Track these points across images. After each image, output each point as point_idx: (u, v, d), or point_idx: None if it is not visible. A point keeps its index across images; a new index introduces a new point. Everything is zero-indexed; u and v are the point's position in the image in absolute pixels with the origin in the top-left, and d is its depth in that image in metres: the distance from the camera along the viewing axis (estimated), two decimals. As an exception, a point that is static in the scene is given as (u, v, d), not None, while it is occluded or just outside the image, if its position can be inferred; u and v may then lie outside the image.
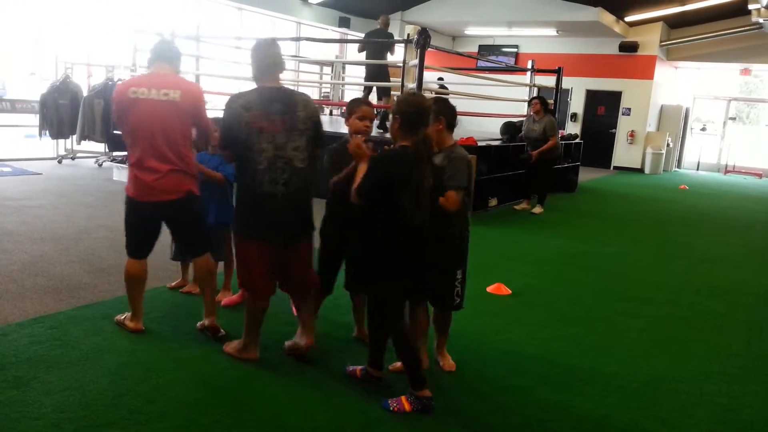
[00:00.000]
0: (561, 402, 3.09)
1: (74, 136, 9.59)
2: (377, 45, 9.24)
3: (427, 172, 2.82)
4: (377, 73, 9.35)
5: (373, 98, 9.13)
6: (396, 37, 14.06)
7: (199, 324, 3.58)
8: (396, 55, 9.44)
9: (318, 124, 3.16)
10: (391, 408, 2.85)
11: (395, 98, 9.56)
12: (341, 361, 3.30)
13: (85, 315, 3.71)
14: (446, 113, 3.02)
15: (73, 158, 10.28)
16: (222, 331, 3.52)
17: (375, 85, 9.23)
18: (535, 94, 11.17)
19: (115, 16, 10.90)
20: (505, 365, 3.48)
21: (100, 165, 9.84)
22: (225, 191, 3.92)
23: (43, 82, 9.82)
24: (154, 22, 10.73)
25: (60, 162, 9.96)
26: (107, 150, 9.90)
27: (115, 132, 9.14)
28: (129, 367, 3.11)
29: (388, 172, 2.80)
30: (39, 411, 2.64)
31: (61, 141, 9.98)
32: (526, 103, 11.26)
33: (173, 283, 4.29)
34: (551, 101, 9.83)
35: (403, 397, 2.87)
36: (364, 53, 9.58)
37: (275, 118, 2.99)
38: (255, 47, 3.13)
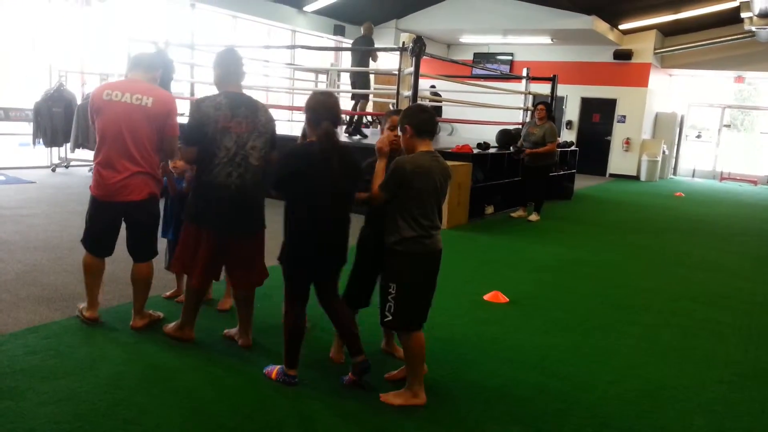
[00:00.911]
0: (559, 410, 3.08)
1: (68, 145, 9.55)
2: (360, 53, 9.48)
3: (325, 169, 2.91)
4: (357, 79, 9.56)
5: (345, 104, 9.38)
6: (391, 45, 14.18)
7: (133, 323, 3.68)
8: (387, 62, 9.54)
9: (274, 129, 3.44)
10: (265, 372, 3.17)
11: (390, 107, 9.58)
12: (341, 371, 3.28)
13: (79, 324, 3.68)
14: (412, 121, 2.94)
15: (66, 167, 10.24)
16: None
17: (362, 92, 9.44)
18: (531, 102, 11.23)
19: (109, 25, 10.88)
20: (503, 374, 3.46)
21: (95, 173, 9.80)
22: None
23: (37, 90, 9.79)
24: (148, 30, 10.73)
25: (54, 170, 9.92)
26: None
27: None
28: (124, 376, 3.08)
29: (292, 165, 2.98)
30: (33, 422, 2.61)
31: (55, 149, 9.93)
32: (521, 111, 11.31)
33: (169, 293, 4.26)
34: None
35: (276, 369, 3.14)
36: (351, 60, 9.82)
37: (241, 120, 3.26)
38: (220, 56, 3.40)
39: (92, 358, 3.26)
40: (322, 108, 2.99)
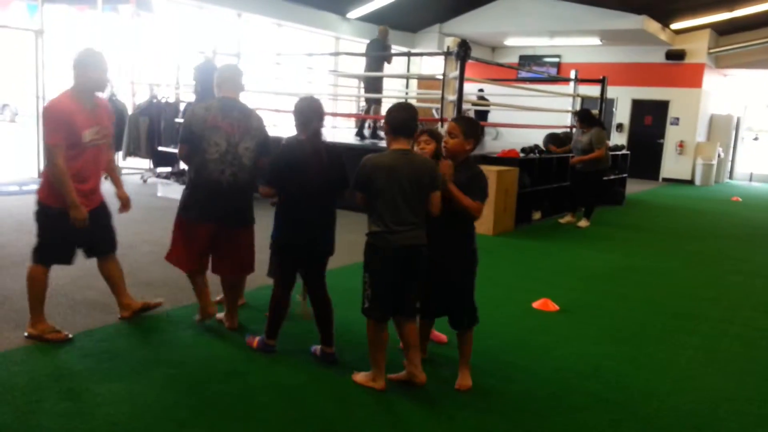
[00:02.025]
0: (614, 421, 2.98)
1: (120, 153, 9.84)
2: (372, 58, 9.71)
3: (315, 163, 3.22)
4: (371, 84, 9.69)
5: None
6: (435, 50, 14.13)
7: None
8: (431, 67, 9.51)
9: (266, 135, 3.71)
10: (246, 341, 3.56)
11: (434, 112, 9.62)
12: (394, 367, 3.26)
13: (132, 328, 3.77)
14: (389, 118, 3.07)
15: (119, 174, 10.51)
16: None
17: (379, 97, 9.60)
18: (579, 105, 11.00)
19: (159, 35, 11.17)
20: (555, 383, 3.38)
21: (145, 181, 10.05)
22: None
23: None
24: (196, 40, 10.97)
25: (106, 178, 10.16)
26: (152, 166, 10.13)
27: (159, 149, 9.38)
28: (177, 379, 3.13)
29: (284, 159, 3.29)
30: (92, 423, 2.68)
31: (108, 157, 10.23)
32: (569, 114, 11.10)
33: (218, 298, 4.31)
34: (596, 111, 9.62)
35: (257, 339, 3.52)
36: (376, 64, 9.92)
37: (233, 122, 3.54)
38: (220, 69, 3.79)
39: (146, 360, 3.33)
40: (309, 111, 3.30)
